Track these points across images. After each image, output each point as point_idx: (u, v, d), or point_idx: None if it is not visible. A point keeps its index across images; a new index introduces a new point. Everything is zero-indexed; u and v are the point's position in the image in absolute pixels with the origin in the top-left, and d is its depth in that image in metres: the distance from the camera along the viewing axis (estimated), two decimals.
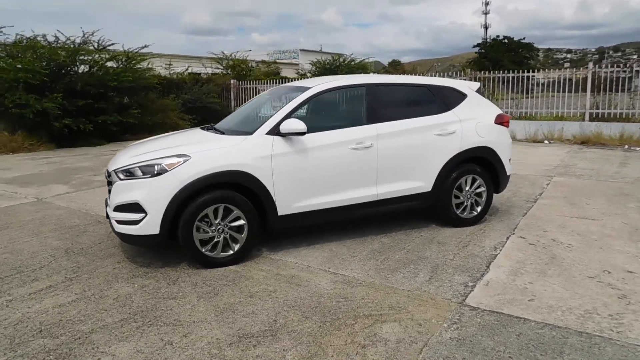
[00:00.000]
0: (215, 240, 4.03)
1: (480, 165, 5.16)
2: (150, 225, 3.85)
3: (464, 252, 4.39)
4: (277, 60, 41.58)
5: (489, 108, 5.35)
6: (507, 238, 4.76)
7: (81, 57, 13.78)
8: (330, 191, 4.43)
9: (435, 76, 14.33)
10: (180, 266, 4.11)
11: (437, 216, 5.22)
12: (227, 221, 4.05)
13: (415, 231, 5.02)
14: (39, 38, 13.47)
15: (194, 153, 3.99)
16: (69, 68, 13.08)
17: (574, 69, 13.47)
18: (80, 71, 13.48)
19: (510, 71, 13.68)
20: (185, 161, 3.92)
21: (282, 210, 4.25)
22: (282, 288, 3.66)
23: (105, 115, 13.38)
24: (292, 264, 4.15)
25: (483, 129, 5.10)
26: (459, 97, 5.16)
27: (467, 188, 5.09)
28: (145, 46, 15.76)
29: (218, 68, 22.81)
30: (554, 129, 12.69)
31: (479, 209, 5.21)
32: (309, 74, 28.76)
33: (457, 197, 5.06)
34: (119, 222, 3.98)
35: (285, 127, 4.15)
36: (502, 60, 50.94)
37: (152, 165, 3.91)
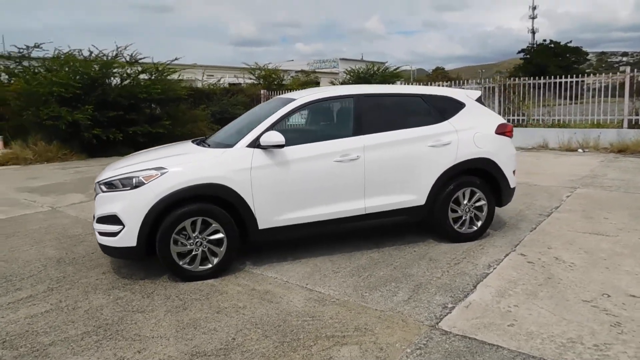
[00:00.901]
0: (193, 253, 4.01)
1: (480, 177, 4.90)
2: (128, 237, 3.87)
3: (454, 269, 4.15)
4: (317, 70, 41.90)
5: (489, 117, 5.08)
6: (506, 255, 4.47)
7: (114, 70, 14.36)
8: (314, 204, 4.32)
9: (474, 83, 13.91)
10: (161, 279, 4.11)
11: (435, 231, 5.00)
12: (205, 234, 4.02)
13: (410, 246, 4.81)
14: (75, 53, 14.16)
15: (172, 166, 3.99)
16: (101, 81, 13.62)
17: (610, 74, 12.71)
18: (112, 84, 14.02)
19: (541, 77, 13.08)
20: (162, 174, 3.92)
21: (262, 224, 4.17)
22: (253, 304, 3.57)
23: (136, 126, 13.84)
24: (271, 279, 4.06)
25: (482, 140, 4.84)
26: (456, 106, 4.93)
27: (465, 201, 4.84)
28: (176, 58, 16.23)
29: (251, 79, 23.23)
30: (589, 137, 11.99)
31: (479, 223, 4.93)
32: (340, 83, 28.81)
33: (454, 211, 4.82)
34: (100, 233, 4.03)
35: (264, 139, 4.09)
36: (548, 66, 49.15)
37: (131, 178, 3.94)
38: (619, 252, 4.45)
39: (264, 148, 4.13)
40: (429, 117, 4.80)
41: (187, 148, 4.60)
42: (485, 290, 3.71)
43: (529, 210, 6.16)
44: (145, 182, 3.89)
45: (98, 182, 4.15)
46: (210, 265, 4.06)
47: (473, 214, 4.89)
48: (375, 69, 27.32)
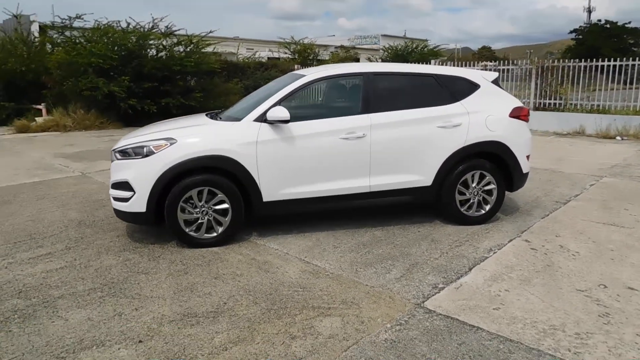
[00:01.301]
0: (199, 221, 4.19)
1: (491, 161, 4.83)
2: (138, 203, 4.09)
3: (453, 251, 4.17)
4: (358, 46, 41.33)
5: (504, 100, 4.96)
6: (510, 240, 4.44)
7: (150, 42, 14.70)
8: (319, 180, 4.40)
9: (512, 64, 13.41)
10: (169, 244, 4.33)
11: (442, 213, 4.99)
12: (211, 204, 4.18)
13: (415, 226, 4.84)
14: (113, 24, 14.56)
15: (181, 137, 4.16)
16: (137, 52, 13.98)
17: None
18: (148, 56, 14.38)
19: (582, 60, 12.47)
20: (171, 144, 4.10)
21: (267, 197, 4.30)
22: (250, 273, 3.73)
23: (170, 97, 14.20)
24: (272, 250, 4.20)
25: (494, 123, 4.75)
26: (470, 87, 4.84)
27: (473, 184, 4.80)
28: (211, 31, 16.41)
29: (286, 53, 23.24)
30: (629, 125, 11.43)
31: (487, 207, 4.88)
32: (379, 59, 28.37)
33: (462, 193, 4.79)
34: (114, 198, 4.27)
35: (271, 114, 4.18)
36: (601, 48, 46.40)
37: (142, 147, 4.13)
38: (629, 245, 4.33)
39: (271, 123, 4.22)
40: (440, 97, 4.74)
41: (199, 120, 4.75)
42: (480, 273, 3.72)
43: (546, 197, 6.02)
44: (155, 151, 4.08)
45: (114, 150, 4.38)
46: (215, 234, 4.24)
47: (482, 197, 4.85)
48: (414, 46, 26.73)
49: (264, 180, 4.25)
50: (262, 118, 4.25)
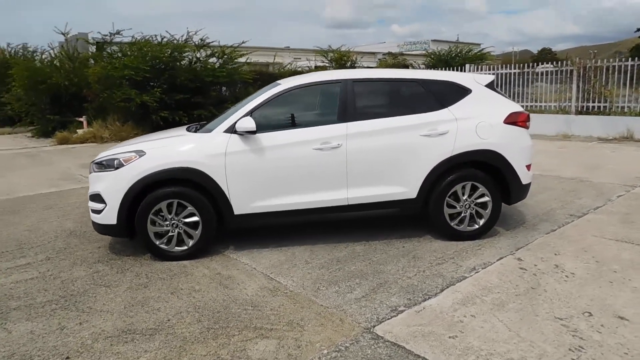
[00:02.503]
0: (169, 234, 4.15)
1: (485, 171, 4.47)
2: (109, 215, 4.11)
3: (432, 270, 3.86)
4: (407, 52, 40.74)
5: (499, 105, 4.58)
6: (500, 258, 4.06)
7: (184, 54, 15.16)
8: (292, 192, 4.24)
9: (561, 65, 12.58)
10: (144, 257, 4.31)
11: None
12: (181, 217, 4.14)
13: (402, 241, 4.56)
14: (149, 38, 15.15)
15: (150, 149, 4.15)
16: (170, 65, 14.44)
17: None
18: (181, 67, 14.81)
19: (630, 59, 11.49)
20: (140, 156, 4.09)
21: (238, 210, 4.19)
22: (208, 288, 3.63)
23: (201, 109, 14.54)
24: (241, 265, 4.08)
25: (486, 130, 4.39)
26: (460, 92, 4.51)
27: (464, 197, 4.45)
28: (244, 42, 16.70)
29: (323, 62, 23.21)
30: None
31: (481, 221, 4.51)
32: (422, 65, 27.75)
33: (452, 206, 4.46)
34: (91, 210, 4.32)
35: (239, 125, 4.08)
36: None
37: (113, 160, 4.16)
38: (636, 266, 3.83)
39: (241, 134, 4.13)
40: (426, 104, 4.45)
41: (175, 133, 4.73)
42: (451, 295, 3.41)
43: (562, 209, 5.51)
44: (125, 164, 4.09)
45: (92, 162, 4.44)
46: (186, 247, 4.19)
47: (474, 210, 4.49)
48: (458, 50, 25.91)
49: (234, 192, 4.15)
50: (232, 129, 4.16)
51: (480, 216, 4.52)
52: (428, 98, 4.47)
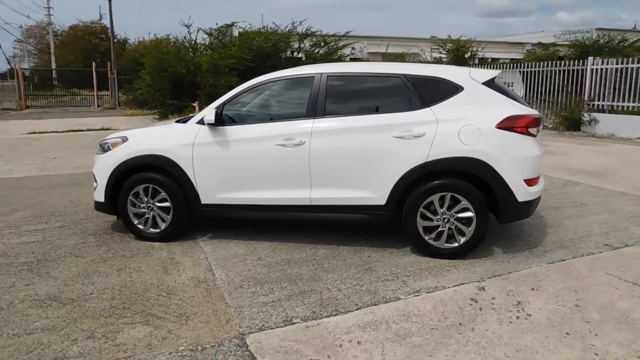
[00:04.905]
0: (145, 216, 4.48)
1: (471, 181, 3.90)
2: (99, 193, 4.58)
3: (371, 285, 3.55)
4: (563, 42, 36.60)
5: (494, 107, 3.91)
6: (459, 285, 3.55)
7: (289, 44, 15.79)
8: (256, 187, 4.23)
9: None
10: (130, 235, 4.69)
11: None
12: (155, 201, 4.42)
13: (372, 250, 4.24)
14: (259, 29, 16.08)
15: (132, 136, 4.49)
16: (272, 54, 15.16)
17: None
18: (282, 57, 15.47)
19: None
20: (124, 142, 4.47)
21: (205, 199, 4.33)
22: (150, 271, 3.85)
23: None
24: (199, 253, 4.23)
25: (471, 134, 3.81)
26: (449, 90, 3.97)
27: (443, 209, 3.95)
28: (348, 32, 16.72)
29: (441, 53, 22.01)
30: None
31: (462, 239, 3.96)
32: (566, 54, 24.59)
33: (427, 218, 4.00)
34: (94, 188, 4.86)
35: (206, 117, 4.19)
36: None
37: (105, 143, 4.61)
38: (627, 320, 3.01)
39: (209, 126, 4.23)
40: (406, 102, 4.02)
41: (166, 122, 5.00)
42: (361, 316, 3.10)
43: (601, 236, 4.55)
44: (112, 148, 4.51)
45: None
46: (158, 230, 4.47)
47: (454, 226, 3.96)
48: (606, 40, 22.32)
49: (201, 182, 4.29)
50: (202, 121, 4.29)
51: (462, 233, 3.97)
52: (410, 95, 4.03)
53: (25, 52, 52.43)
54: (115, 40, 39.42)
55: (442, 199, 3.94)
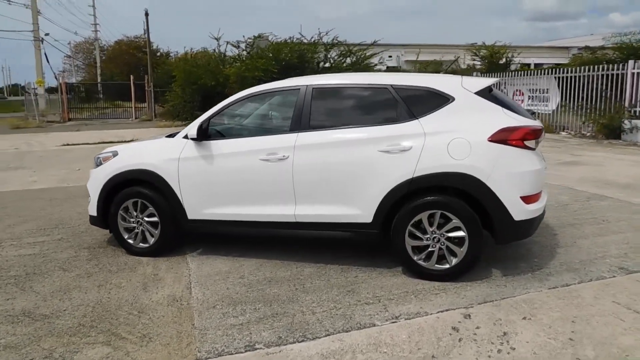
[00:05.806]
0: (135, 230, 4.46)
1: (464, 199, 3.64)
2: (92, 207, 4.61)
3: (348, 309, 3.35)
4: (610, 45, 34.95)
5: (488, 118, 3.63)
6: (443, 311, 3.29)
7: (315, 55, 15.75)
8: (241, 203, 4.12)
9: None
10: (121, 249, 4.67)
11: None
12: (144, 215, 4.40)
13: (360, 270, 4.03)
14: (286, 40, 16.14)
15: (122, 150, 4.50)
16: (297, 65, 15.16)
17: None
18: (307, 68, 15.44)
19: None
20: (114, 156, 4.48)
21: (191, 214, 4.27)
22: (129, 287, 3.80)
23: None
24: (183, 269, 4.16)
25: (461, 148, 3.56)
26: (439, 101, 3.73)
27: (432, 228, 3.69)
28: (376, 41, 16.52)
29: (474, 60, 21.43)
30: None
31: (454, 260, 3.69)
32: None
33: (416, 237, 3.75)
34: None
35: (189, 132, 4.13)
36: None
37: (98, 158, 4.64)
38: (621, 356, 2.67)
39: (194, 141, 4.17)
40: (394, 114, 3.81)
41: (157, 137, 4.95)
42: (328, 343, 2.91)
43: (618, 258, 4.18)
44: (103, 162, 4.53)
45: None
46: (147, 245, 4.44)
47: (445, 246, 3.70)
48: None
49: (187, 197, 4.23)
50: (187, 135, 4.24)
51: (454, 254, 3.69)
52: (398, 107, 3.82)
53: (73, 67, 55.38)
54: (158, 54, 40.98)
55: (431, 216, 3.70)
